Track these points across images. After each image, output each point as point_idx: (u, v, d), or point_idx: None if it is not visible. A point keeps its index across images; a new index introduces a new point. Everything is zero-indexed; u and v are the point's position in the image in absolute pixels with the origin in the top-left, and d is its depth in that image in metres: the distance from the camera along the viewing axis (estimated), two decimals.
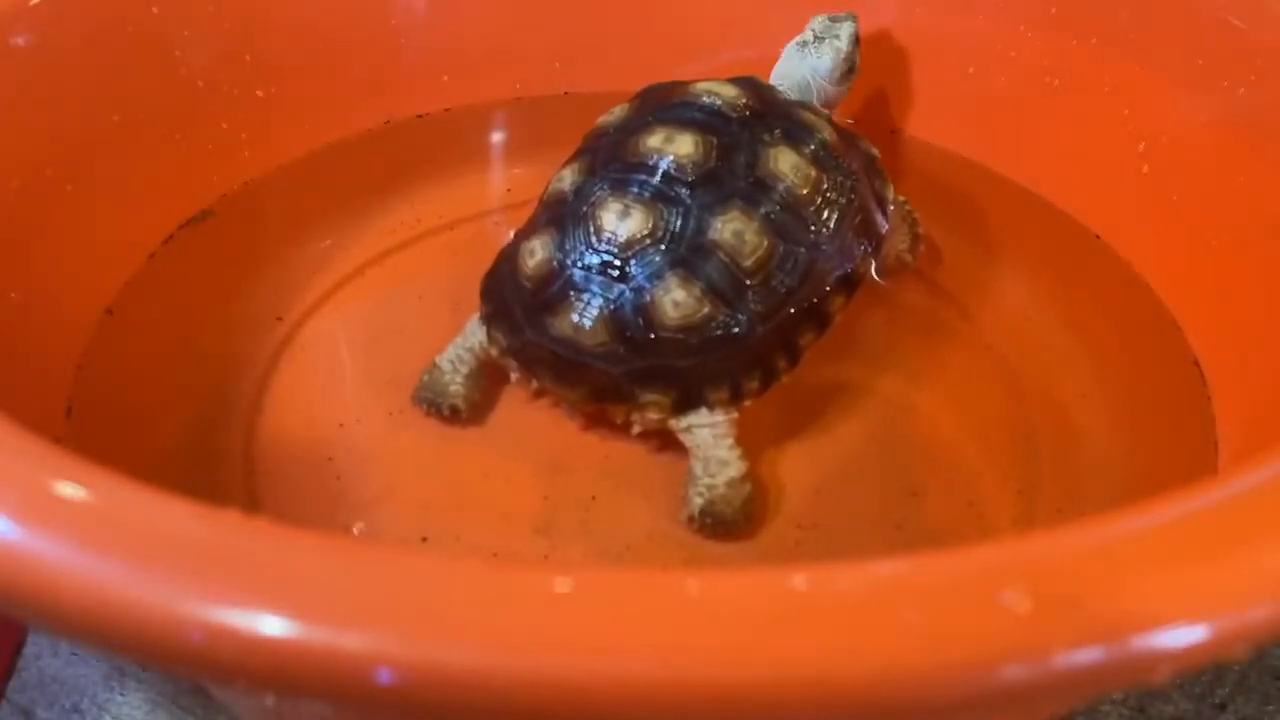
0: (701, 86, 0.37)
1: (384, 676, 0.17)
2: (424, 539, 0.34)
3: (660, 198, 0.34)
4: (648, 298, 0.33)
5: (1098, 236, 0.44)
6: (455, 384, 0.37)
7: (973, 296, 0.43)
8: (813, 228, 0.35)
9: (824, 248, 0.35)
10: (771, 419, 0.36)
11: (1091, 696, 0.32)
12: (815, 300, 0.35)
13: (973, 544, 0.19)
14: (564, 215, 0.35)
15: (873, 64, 0.50)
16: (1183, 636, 0.18)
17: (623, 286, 0.34)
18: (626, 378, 0.34)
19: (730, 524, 0.34)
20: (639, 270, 0.34)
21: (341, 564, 0.18)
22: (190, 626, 0.17)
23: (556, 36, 0.52)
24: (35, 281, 0.37)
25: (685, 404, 0.34)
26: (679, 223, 0.34)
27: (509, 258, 0.37)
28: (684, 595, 0.18)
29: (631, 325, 0.33)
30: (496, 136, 0.52)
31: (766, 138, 0.36)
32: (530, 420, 0.37)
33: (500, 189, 0.50)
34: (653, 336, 0.33)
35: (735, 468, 0.34)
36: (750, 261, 0.34)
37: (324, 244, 0.45)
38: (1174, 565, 0.19)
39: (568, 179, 0.37)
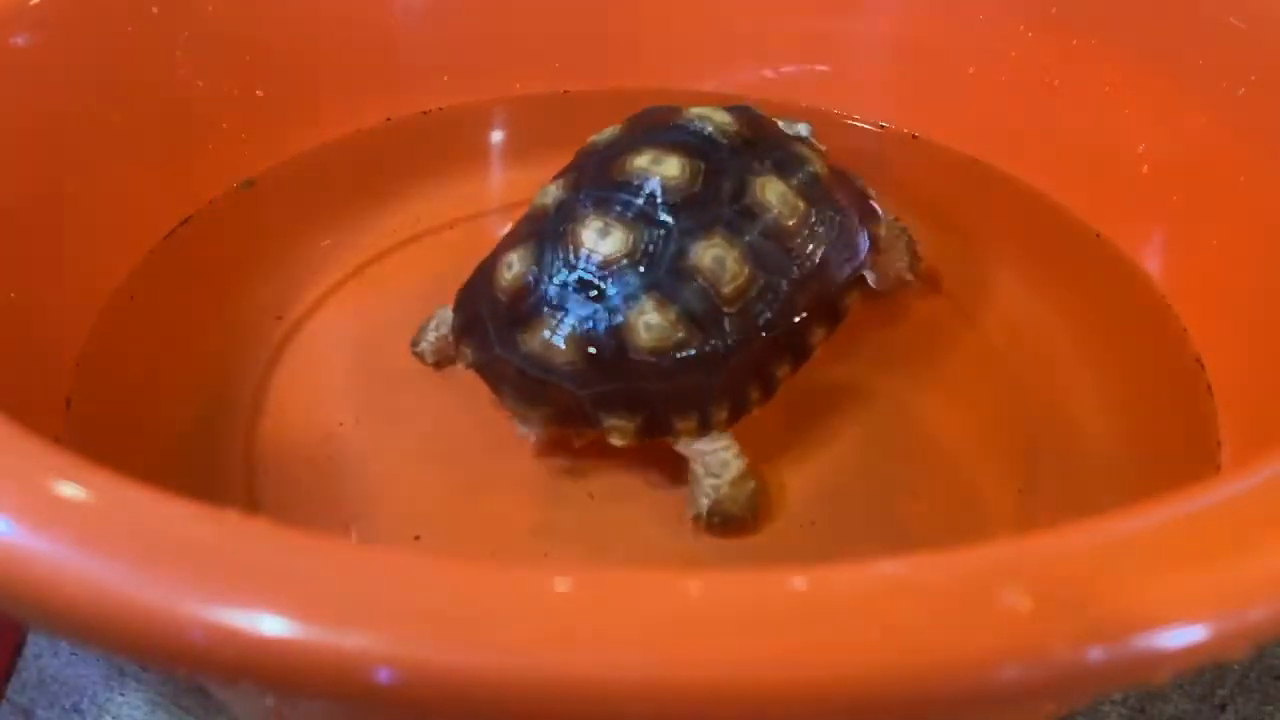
0: (695, 111, 0.37)
1: (384, 676, 0.17)
2: (417, 537, 0.34)
3: (642, 219, 0.34)
4: (621, 319, 0.33)
5: (1099, 235, 0.44)
6: (425, 342, 0.39)
7: (973, 295, 0.43)
8: (796, 260, 0.35)
9: (807, 281, 0.35)
10: (772, 419, 0.36)
11: (1092, 696, 0.32)
12: (794, 332, 0.35)
13: (973, 544, 0.19)
14: (544, 230, 0.35)
15: (874, 63, 0.50)
16: (1183, 636, 0.18)
17: (597, 306, 0.33)
18: (590, 401, 0.33)
19: (739, 521, 0.34)
20: (615, 290, 0.33)
21: (341, 564, 0.18)
22: (190, 626, 0.17)
23: (555, 35, 0.52)
24: (34, 280, 0.37)
25: (650, 431, 0.33)
26: (659, 245, 0.33)
27: (486, 270, 0.37)
28: (684, 595, 0.18)
29: (603, 346, 0.33)
30: (496, 135, 0.52)
31: (756, 166, 0.35)
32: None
33: (500, 188, 0.50)
34: (623, 359, 0.33)
35: (735, 466, 0.34)
36: (729, 289, 0.33)
37: (324, 243, 0.45)
38: (1174, 565, 0.19)
39: (551, 194, 0.36)
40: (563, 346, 0.33)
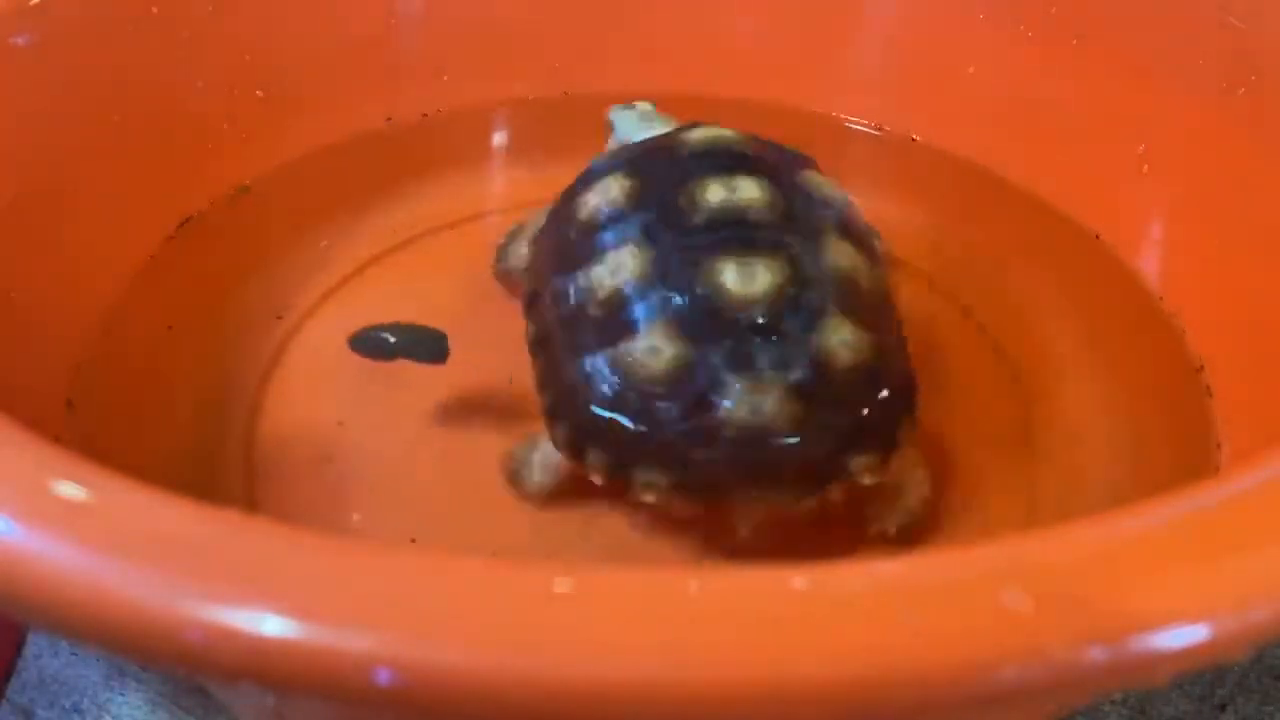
0: (699, 135, 0.34)
1: (384, 676, 0.17)
2: (421, 539, 0.34)
3: (766, 245, 0.31)
4: (815, 348, 0.29)
5: (1098, 236, 0.44)
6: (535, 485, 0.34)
7: (972, 296, 0.43)
8: (873, 250, 0.33)
9: (884, 267, 0.34)
10: None
11: (1092, 696, 0.32)
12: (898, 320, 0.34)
13: (973, 544, 0.19)
14: (661, 304, 0.30)
15: (872, 64, 0.50)
16: (1183, 636, 0.18)
17: (783, 347, 0.29)
18: (836, 448, 0.30)
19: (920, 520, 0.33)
20: (792, 324, 0.30)
21: (341, 564, 0.18)
22: (190, 626, 0.17)
23: (556, 37, 0.52)
24: (35, 280, 0.37)
25: (889, 453, 0.31)
26: (798, 264, 0.30)
27: (595, 388, 0.31)
28: (684, 595, 0.18)
29: (812, 384, 0.29)
30: (497, 137, 0.52)
31: (794, 167, 0.34)
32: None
33: (501, 190, 0.50)
34: (834, 390, 0.30)
35: (924, 475, 0.33)
36: (867, 284, 0.32)
37: (324, 244, 0.45)
38: (1174, 565, 0.19)
39: (627, 269, 0.31)
40: (775, 406, 0.29)
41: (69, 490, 0.20)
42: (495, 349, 0.39)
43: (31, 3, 0.39)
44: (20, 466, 0.20)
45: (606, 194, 0.33)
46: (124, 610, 0.18)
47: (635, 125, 0.40)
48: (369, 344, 0.36)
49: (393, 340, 0.35)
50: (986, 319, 0.42)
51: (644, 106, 0.41)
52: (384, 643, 0.17)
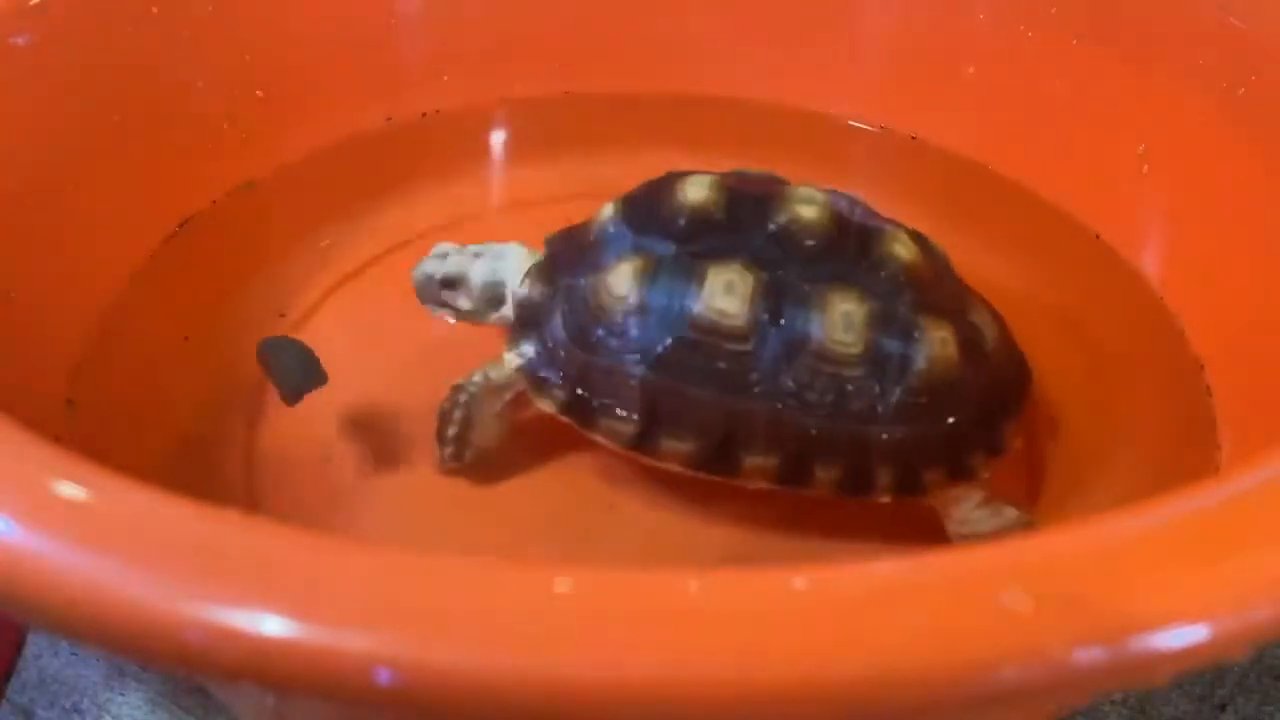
0: (693, 183, 0.34)
1: (383, 677, 0.17)
2: (421, 539, 0.34)
3: (879, 234, 0.34)
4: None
5: (1098, 236, 0.44)
6: None
7: None
8: None
9: None
10: None
11: (1092, 696, 0.32)
12: None
13: (973, 544, 0.19)
14: (905, 312, 0.32)
15: (873, 64, 0.50)
16: (1183, 636, 0.18)
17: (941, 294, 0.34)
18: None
19: None
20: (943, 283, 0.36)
21: (341, 564, 0.18)
22: (190, 626, 0.17)
23: (556, 36, 0.52)
24: (35, 280, 0.37)
25: None
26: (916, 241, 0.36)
27: (931, 415, 0.32)
28: (684, 595, 0.18)
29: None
30: (497, 136, 0.52)
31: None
32: (532, 423, 0.37)
33: (501, 189, 0.50)
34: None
35: None
36: None
37: (324, 244, 0.45)
38: (1174, 565, 0.19)
39: (858, 314, 0.32)
40: (1000, 329, 0.36)
41: (69, 490, 0.20)
42: (495, 349, 0.38)
43: (31, 3, 0.39)
44: (20, 466, 0.20)
45: (734, 292, 0.32)
46: (124, 610, 0.18)
47: (466, 263, 0.36)
48: (262, 352, 0.35)
49: (271, 359, 0.35)
50: None
51: (447, 245, 0.37)
52: (384, 643, 0.17)
